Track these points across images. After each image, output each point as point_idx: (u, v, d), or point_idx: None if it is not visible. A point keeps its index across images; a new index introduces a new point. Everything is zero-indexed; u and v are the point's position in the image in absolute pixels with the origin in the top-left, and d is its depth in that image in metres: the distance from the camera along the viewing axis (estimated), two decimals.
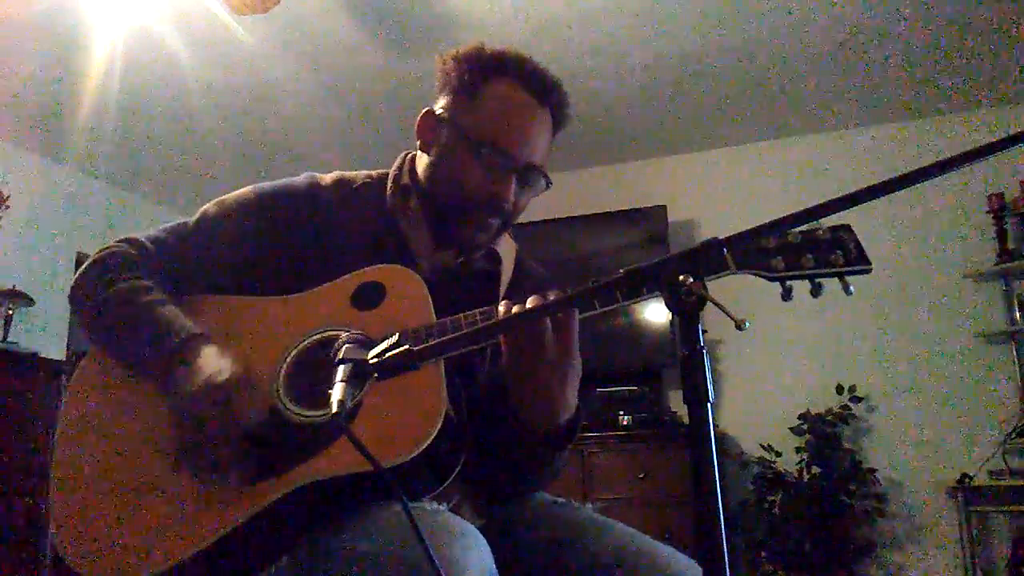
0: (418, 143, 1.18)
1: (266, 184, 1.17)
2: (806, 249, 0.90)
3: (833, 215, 0.68)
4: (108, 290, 1.07)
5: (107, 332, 1.09)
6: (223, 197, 1.17)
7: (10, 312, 3.65)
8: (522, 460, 1.06)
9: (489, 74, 1.12)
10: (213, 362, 0.98)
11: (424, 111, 1.17)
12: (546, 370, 0.95)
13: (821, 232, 0.91)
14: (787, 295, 0.90)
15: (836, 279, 0.90)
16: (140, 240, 1.13)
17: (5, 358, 3.37)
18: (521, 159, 1.10)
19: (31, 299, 3.73)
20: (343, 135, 4.12)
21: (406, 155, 1.21)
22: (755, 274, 0.91)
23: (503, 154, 1.09)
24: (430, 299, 1.02)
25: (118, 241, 1.14)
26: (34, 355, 3.49)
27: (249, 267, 1.12)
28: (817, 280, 0.90)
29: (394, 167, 1.21)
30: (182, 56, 3.29)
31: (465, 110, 1.12)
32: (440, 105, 1.15)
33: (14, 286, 3.70)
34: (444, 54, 1.16)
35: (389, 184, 1.18)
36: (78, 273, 1.12)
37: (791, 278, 0.90)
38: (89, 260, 1.12)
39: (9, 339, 3.60)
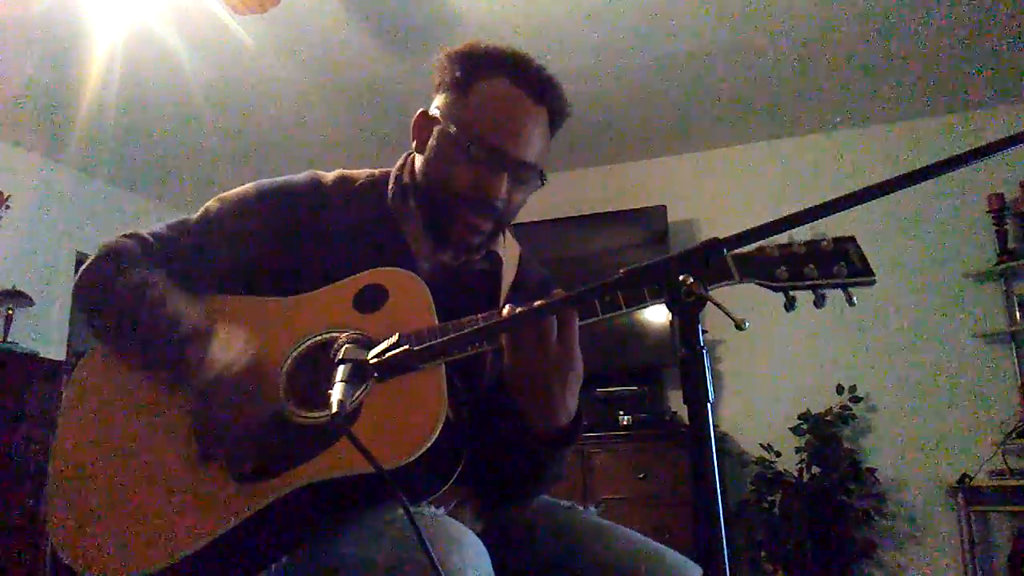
0: (413, 144, 1.17)
1: (268, 181, 1.17)
2: (810, 260, 0.90)
3: (833, 215, 0.68)
4: (114, 283, 1.06)
5: (114, 324, 1.08)
6: (225, 194, 1.17)
7: (10, 312, 3.65)
8: (522, 461, 1.05)
9: (482, 71, 1.10)
10: (224, 353, 1.00)
11: (419, 112, 1.16)
12: (547, 371, 0.94)
13: (825, 243, 0.91)
14: (790, 305, 0.90)
15: (839, 290, 0.91)
16: (143, 235, 1.13)
17: (5, 358, 3.38)
18: (513, 157, 1.08)
19: (31, 299, 3.73)
20: (343, 135, 4.12)
21: (408, 155, 1.20)
22: (759, 284, 0.91)
23: (494, 151, 1.07)
24: (432, 303, 1.01)
25: (120, 236, 1.13)
26: (34, 355, 3.49)
27: (250, 264, 1.11)
28: (820, 291, 0.90)
29: (396, 166, 1.20)
30: (182, 56, 3.29)
31: (457, 108, 1.10)
32: (434, 104, 1.15)
33: (14, 286, 3.70)
34: (440, 52, 1.15)
35: (390, 184, 1.18)
36: (82, 269, 1.11)
37: (794, 288, 0.90)
38: (92, 256, 1.12)
39: (9, 339, 3.60)
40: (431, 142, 1.13)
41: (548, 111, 1.12)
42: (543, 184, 1.14)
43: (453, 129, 1.09)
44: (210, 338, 1.01)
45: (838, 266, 0.89)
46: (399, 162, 1.21)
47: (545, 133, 1.13)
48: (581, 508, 1.13)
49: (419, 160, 1.16)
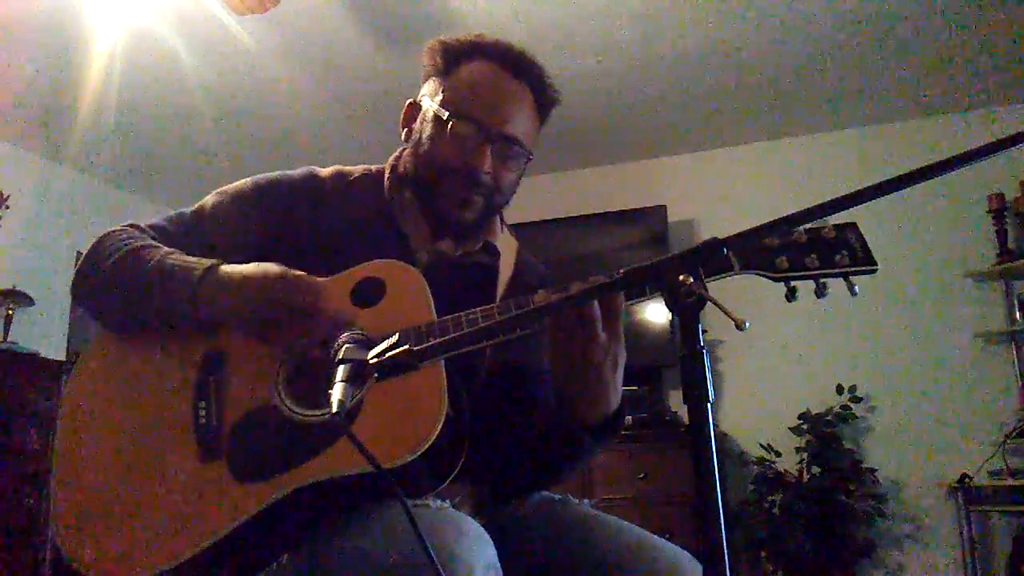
0: (403, 134, 1.20)
1: (265, 175, 1.18)
2: (811, 249, 0.88)
3: (833, 215, 0.68)
4: (112, 256, 1.07)
5: (122, 293, 1.07)
6: (222, 188, 1.18)
7: (10, 312, 3.64)
8: (560, 450, 1.05)
9: (464, 56, 1.14)
10: (255, 267, 1.02)
11: (407, 103, 1.20)
12: (599, 355, 0.94)
13: (826, 231, 0.89)
14: (791, 296, 0.88)
15: (841, 279, 0.88)
16: (141, 226, 1.15)
17: (5, 358, 3.37)
18: (494, 128, 1.10)
19: (31, 299, 3.73)
20: (343, 135, 4.12)
21: (402, 149, 1.22)
22: (759, 275, 0.90)
23: (474, 123, 1.10)
24: (430, 296, 1.02)
25: (121, 226, 1.15)
26: (34, 355, 3.48)
27: (247, 258, 1.11)
28: (822, 280, 0.88)
29: (391, 159, 1.22)
30: (182, 56, 3.29)
31: (440, 91, 1.14)
32: (421, 93, 1.18)
33: (14, 286, 3.70)
34: (425, 45, 1.18)
35: (386, 176, 1.20)
36: (82, 259, 1.12)
37: (795, 278, 0.88)
38: (91, 246, 1.13)
39: (9, 339, 3.60)
40: (417, 127, 1.16)
41: (531, 90, 1.15)
42: (529, 161, 1.16)
43: (436, 110, 1.12)
44: (226, 270, 1.03)
45: (840, 255, 0.88)
46: (394, 155, 1.23)
47: (530, 112, 1.15)
48: (576, 501, 1.13)
49: (409, 148, 1.19)
